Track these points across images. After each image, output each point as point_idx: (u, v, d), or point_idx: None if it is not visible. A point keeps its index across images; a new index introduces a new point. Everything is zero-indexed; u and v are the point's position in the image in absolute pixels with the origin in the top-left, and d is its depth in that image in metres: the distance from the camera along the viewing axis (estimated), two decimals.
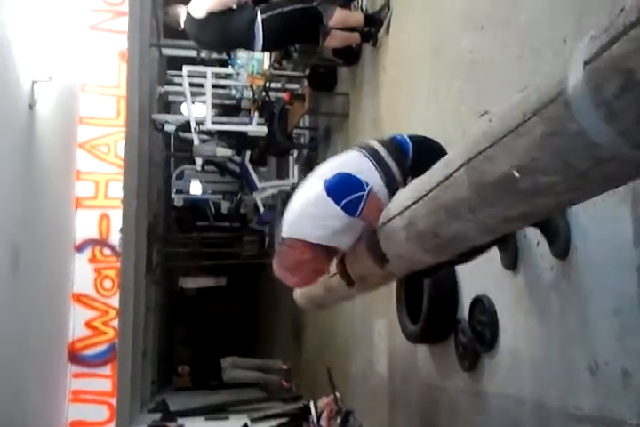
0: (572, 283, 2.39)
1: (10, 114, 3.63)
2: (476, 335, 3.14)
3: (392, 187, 2.38)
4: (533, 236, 2.63)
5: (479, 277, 3.15)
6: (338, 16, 4.79)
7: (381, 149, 2.48)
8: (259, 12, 4.67)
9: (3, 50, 3.42)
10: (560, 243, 2.42)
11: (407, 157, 2.47)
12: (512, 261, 2.81)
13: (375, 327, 4.96)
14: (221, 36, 4.72)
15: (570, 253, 2.39)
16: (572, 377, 2.39)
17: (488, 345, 3.02)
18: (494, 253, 2.86)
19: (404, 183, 2.37)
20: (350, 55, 5.46)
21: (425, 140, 2.63)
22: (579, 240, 2.35)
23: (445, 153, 2.43)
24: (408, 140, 2.53)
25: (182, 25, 4.65)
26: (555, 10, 2.51)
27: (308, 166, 7.71)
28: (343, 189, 2.29)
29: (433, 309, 3.45)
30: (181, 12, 4.61)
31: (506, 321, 2.91)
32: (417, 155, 2.47)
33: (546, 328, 2.59)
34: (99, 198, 5.44)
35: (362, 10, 5.15)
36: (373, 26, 4.85)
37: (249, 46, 4.87)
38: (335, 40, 4.95)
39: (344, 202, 2.27)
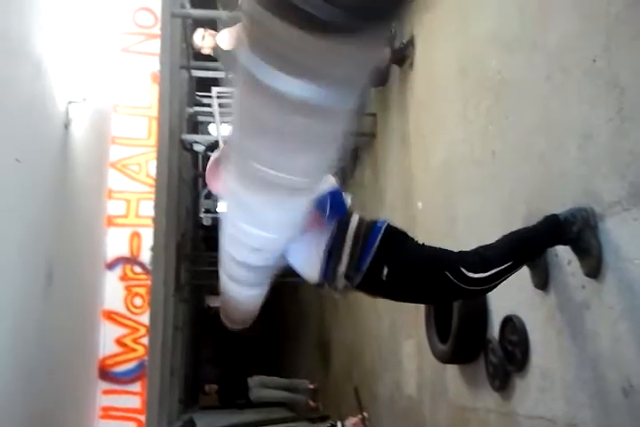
0: (604, 302, 2.37)
1: (46, 133, 3.73)
2: (507, 355, 3.12)
3: (330, 257, 2.43)
4: (565, 254, 2.62)
5: (509, 296, 3.14)
6: None
7: (353, 225, 2.48)
8: None
9: (41, 73, 3.52)
10: (591, 261, 2.40)
11: (371, 244, 2.46)
12: (543, 280, 2.80)
13: (403, 347, 4.94)
14: None
15: (602, 272, 2.37)
16: (604, 399, 2.36)
17: (519, 365, 3.00)
18: (525, 271, 2.85)
19: (350, 263, 2.41)
20: (378, 76, 5.51)
21: (397, 234, 2.58)
22: (611, 259, 2.33)
23: (412, 246, 2.52)
24: (383, 230, 2.50)
25: (209, 51, 4.76)
26: (583, 29, 2.52)
27: None
28: None
29: (463, 328, 3.44)
30: (207, 38, 4.71)
31: (537, 341, 2.89)
32: (382, 245, 2.46)
33: (578, 348, 2.56)
34: (130, 217, 5.51)
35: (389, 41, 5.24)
36: (398, 63, 4.97)
37: None
38: None
39: None
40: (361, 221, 2.50)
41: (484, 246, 2.52)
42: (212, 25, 4.79)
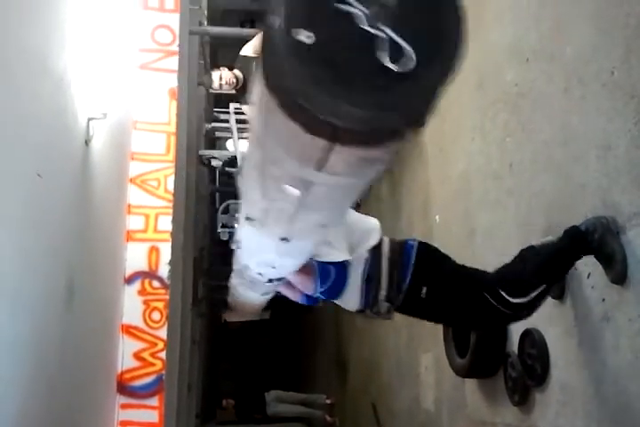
0: (624, 315, 2.36)
1: (67, 149, 3.77)
2: (526, 369, 3.09)
3: (370, 283, 2.46)
4: (584, 267, 2.61)
5: None
6: None
7: (386, 248, 2.51)
8: None
9: (62, 89, 3.58)
10: (616, 266, 2.37)
11: (407, 264, 2.48)
12: (560, 290, 2.78)
13: (421, 361, 4.91)
14: None
15: (624, 285, 2.35)
16: (627, 414, 2.33)
17: (538, 379, 2.97)
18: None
19: (390, 285, 2.44)
20: None
21: (431, 252, 2.62)
22: (632, 270, 2.31)
23: (449, 264, 2.55)
24: (416, 249, 2.53)
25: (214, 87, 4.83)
26: (602, 41, 2.53)
27: None
28: None
29: (481, 342, 3.42)
30: (214, 76, 4.77)
31: (557, 354, 2.87)
32: (418, 264, 2.49)
33: (598, 362, 2.54)
34: (148, 232, 5.55)
35: None
36: None
37: None
38: None
39: None
40: (392, 244, 2.52)
41: (512, 270, 2.52)
42: (228, 42, 4.86)
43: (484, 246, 3.68)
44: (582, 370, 2.65)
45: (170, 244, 5.60)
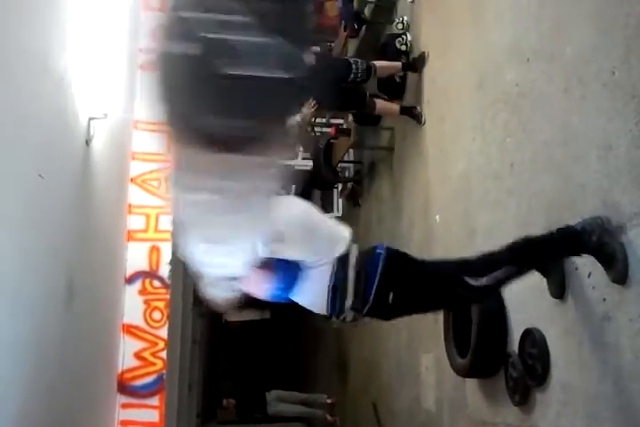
0: (626, 315, 2.35)
1: (68, 149, 3.78)
2: (527, 369, 3.09)
3: (336, 292, 2.47)
4: (584, 267, 2.61)
5: (529, 310, 3.12)
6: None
7: (353, 258, 2.51)
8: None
9: (63, 90, 3.58)
10: (618, 265, 2.36)
11: (374, 274, 2.49)
12: (560, 289, 2.78)
13: (422, 361, 4.91)
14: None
15: (625, 284, 2.35)
16: (628, 413, 2.33)
17: (539, 379, 2.97)
18: (543, 285, 2.84)
19: (356, 296, 2.46)
20: (395, 89, 5.54)
21: (398, 257, 2.61)
22: (636, 270, 2.31)
23: (415, 267, 2.57)
24: (383, 258, 2.52)
25: None
26: (602, 41, 2.53)
27: (352, 200, 7.76)
28: None
29: (482, 342, 3.42)
30: None
31: (557, 354, 2.87)
32: (385, 272, 2.49)
33: (599, 361, 2.54)
34: (149, 231, 5.56)
35: (404, 53, 5.29)
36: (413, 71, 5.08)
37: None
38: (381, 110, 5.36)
39: None
40: (360, 254, 2.54)
41: (490, 251, 2.57)
42: None
43: (485, 246, 3.67)
44: (583, 370, 2.65)
45: (170, 243, 5.60)
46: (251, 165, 1.28)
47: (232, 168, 1.28)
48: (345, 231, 2.58)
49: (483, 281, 2.44)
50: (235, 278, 2.49)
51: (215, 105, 1.12)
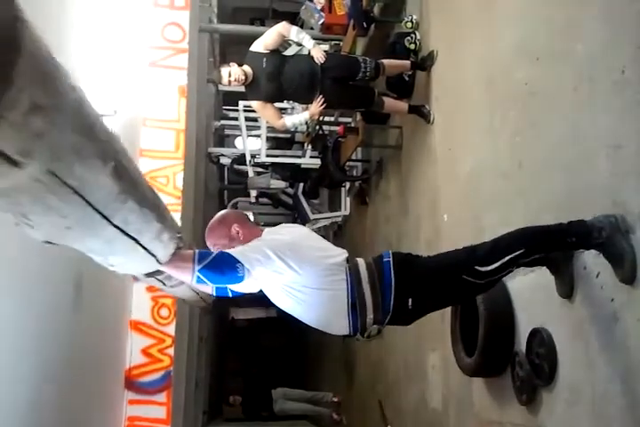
0: (634, 315, 2.34)
1: None
2: (534, 368, 3.08)
3: (355, 309, 2.46)
4: (593, 266, 2.60)
5: (537, 309, 3.11)
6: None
7: (363, 271, 2.51)
8: (319, 69, 4.83)
9: None
10: (626, 266, 2.34)
11: (389, 284, 2.49)
12: (568, 288, 2.77)
13: (429, 360, 4.91)
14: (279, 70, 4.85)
15: (633, 285, 2.34)
16: (635, 413, 2.33)
17: (546, 378, 2.96)
18: (551, 284, 2.83)
19: (376, 309, 2.46)
20: (404, 88, 5.53)
21: (405, 261, 2.60)
22: None
23: (424, 266, 2.57)
24: (392, 265, 2.52)
25: (223, 82, 4.83)
26: (612, 39, 2.52)
27: (360, 198, 7.76)
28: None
29: (489, 341, 3.41)
30: (223, 72, 4.75)
31: (565, 354, 2.86)
32: (398, 279, 2.50)
33: (607, 361, 2.53)
34: None
35: (413, 52, 5.29)
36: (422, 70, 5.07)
37: (305, 96, 5.03)
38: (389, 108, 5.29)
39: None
40: (369, 265, 2.54)
41: (498, 237, 2.59)
42: (238, 40, 4.83)
43: None
44: (590, 370, 2.64)
45: None
46: None
47: None
48: (338, 257, 2.56)
49: (489, 267, 2.46)
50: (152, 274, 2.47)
51: None
